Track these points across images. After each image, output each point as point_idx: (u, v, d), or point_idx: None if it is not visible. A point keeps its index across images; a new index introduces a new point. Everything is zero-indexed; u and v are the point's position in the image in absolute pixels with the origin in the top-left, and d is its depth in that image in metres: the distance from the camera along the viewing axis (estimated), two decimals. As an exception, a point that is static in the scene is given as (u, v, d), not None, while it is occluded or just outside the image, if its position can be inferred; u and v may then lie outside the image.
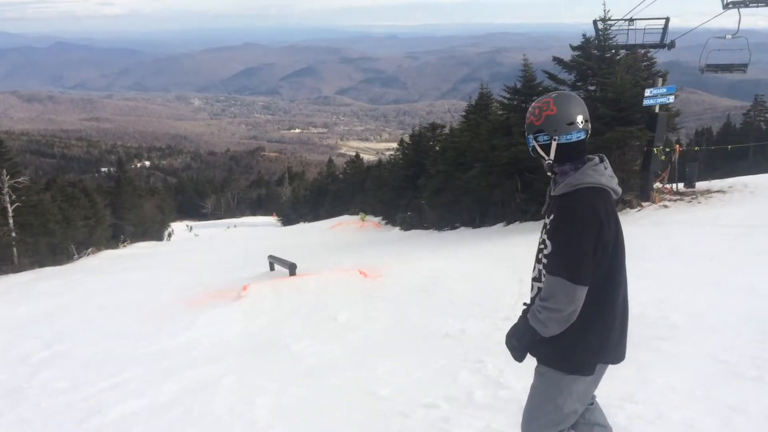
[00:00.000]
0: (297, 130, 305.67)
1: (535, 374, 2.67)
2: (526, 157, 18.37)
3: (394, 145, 45.03)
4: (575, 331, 2.44)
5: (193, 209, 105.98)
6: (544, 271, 2.49)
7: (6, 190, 30.43)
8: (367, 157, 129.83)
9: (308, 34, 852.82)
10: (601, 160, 2.53)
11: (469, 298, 8.25)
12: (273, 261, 15.28)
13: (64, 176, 69.03)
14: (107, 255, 39.40)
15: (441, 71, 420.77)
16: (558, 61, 18.04)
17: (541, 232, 2.61)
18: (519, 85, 20.15)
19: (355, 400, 4.58)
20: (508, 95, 20.86)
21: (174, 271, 21.17)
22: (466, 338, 6.13)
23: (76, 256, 38.42)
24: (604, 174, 2.47)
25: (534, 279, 2.64)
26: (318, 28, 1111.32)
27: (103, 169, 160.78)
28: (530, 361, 2.67)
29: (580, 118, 2.48)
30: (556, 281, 2.36)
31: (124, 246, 48.42)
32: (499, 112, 22.16)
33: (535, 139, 2.57)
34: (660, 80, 15.90)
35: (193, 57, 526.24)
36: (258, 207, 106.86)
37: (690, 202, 15.56)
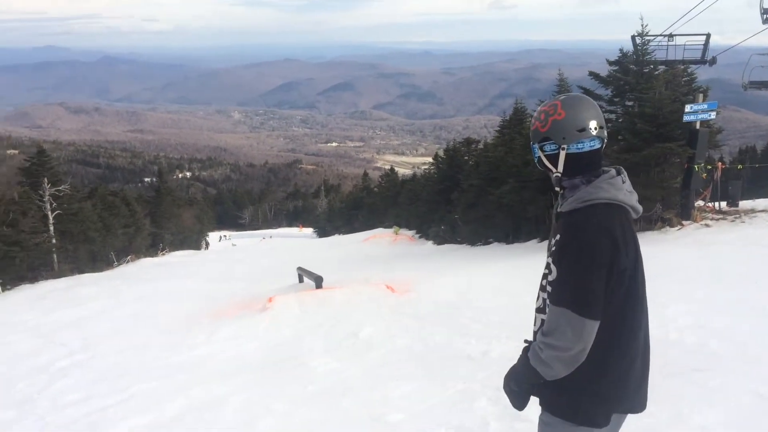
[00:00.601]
0: (334, 144, 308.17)
1: (539, 423, 2.26)
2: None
3: (430, 159, 44.82)
4: (585, 374, 2.05)
5: (231, 220, 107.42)
6: (548, 301, 2.09)
7: (47, 198, 31.12)
8: (403, 171, 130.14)
9: (345, 49, 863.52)
10: (618, 173, 2.17)
11: (496, 317, 7.93)
12: (301, 273, 15.16)
13: (108, 186, 70.71)
14: (146, 263, 40.00)
15: (477, 87, 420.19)
16: (594, 75, 17.60)
17: (547, 255, 2.23)
18: (554, 101, 19.74)
19: (362, 427, 4.33)
20: (542, 110, 20.45)
21: (206, 281, 21.26)
22: (488, 361, 5.83)
23: (116, 263, 39.12)
24: (621, 189, 2.11)
25: (538, 310, 2.26)
26: (355, 44, 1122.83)
27: (146, 179, 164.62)
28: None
29: (593, 124, 2.11)
30: (561, 313, 1.97)
31: (163, 254, 49.18)
32: (534, 127, 21.78)
33: (541, 148, 2.21)
34: (701, 96, 15.32)
35: (233, 72, 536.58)
36: (294, 218, 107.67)
37: (733, 221, 14.90)
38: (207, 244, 65.89)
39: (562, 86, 19.36)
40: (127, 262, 40.58)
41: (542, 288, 2.22)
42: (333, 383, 5.50)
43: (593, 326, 1.97)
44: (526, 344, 2.25)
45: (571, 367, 2.01)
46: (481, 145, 31.85)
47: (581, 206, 2.07)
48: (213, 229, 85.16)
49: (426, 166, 51.54)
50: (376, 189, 66.19)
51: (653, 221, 15.46)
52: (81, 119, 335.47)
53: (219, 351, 7.64)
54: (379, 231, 44.48)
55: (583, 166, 2.14)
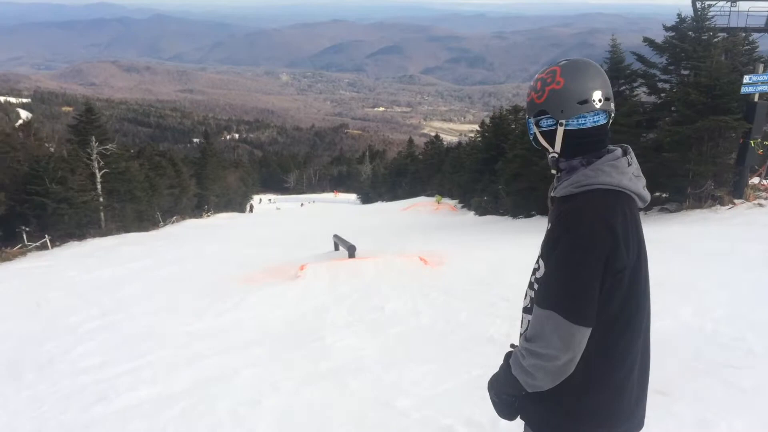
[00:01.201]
0: (381, 109, 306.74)
1: None
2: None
3: (477, 127, 44.12)
4: (574, 388, 1.75)
5: (276, 183, 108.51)
6: (534, 302, 1.80)
7: (95, 156, 31.78)
8: (449, 138, 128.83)
9: (396, 11, 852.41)
10: (625, 153, 1.83)
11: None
12: (337, 241, 15.09)
13: (157, 145, 71.99)
14: (190, 224, 40.87)
15: (530, 52, 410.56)
16: (649, 42, 16.76)
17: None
18: (605, 68, 18.91)
19: (367, 412, 4.16)
20: (591, 77, 19.63)
21: (244, 245, 21.48)
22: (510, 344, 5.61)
23: (162, 223, 40.04)
24: (626, 172, 1.77)
25: (525, 310, 1.95)
26: (405, 5, 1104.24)
27: (194, 140, 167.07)
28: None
29: (597, 95, 1.76)
30: (548, 317, 1.67)
31: (207, 216, 50.14)
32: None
33: (537, 123, 1.86)
34: (761, 66, 14.39)
35: (282, 32, 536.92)
36: (339, 183, 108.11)
37: (790, 201, 14.13)
38: (251, 207, 66.74)
39: (615, 53, 18.50)
40: (173, 222, 41.52)
41: (530, 285, 1.92)
42: (347, 361, 5.36)
43: (584, 333, 1.67)
44: (511, 349, 1.95)
45: (557, 379, 1.72)
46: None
47: (577, 191, 1.75)
48: (257, 192, 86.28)
49: (472, 134, 50.84)
50: (420, 156, 65.68)
51: (703, 199, 14.80)
52: (133, 77, 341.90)
53: (242, 319, 7.62)
54: (421, 199, 44.22)
55: (585, 145, 1.81)
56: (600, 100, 1.77)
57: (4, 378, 5.98)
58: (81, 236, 29.27)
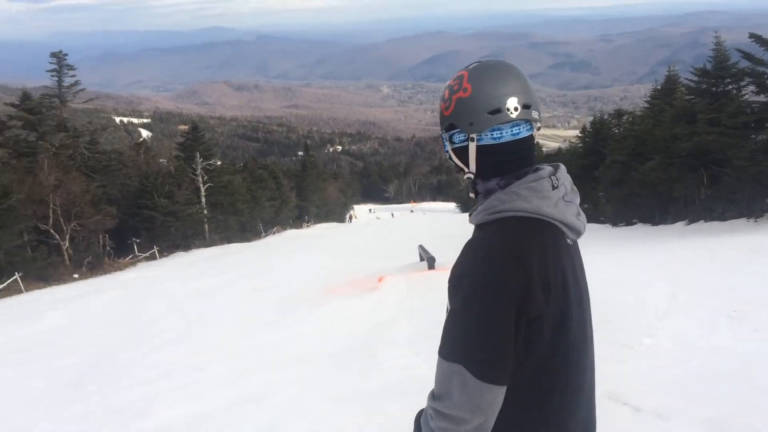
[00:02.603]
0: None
1: None
2: (713, 149, 16.08)
3: (579, 132, 42.56)
4: None
5: (377, 193, 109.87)
6: (438, 351, 1.44)
7: (199, 171, 33.37)
8: (552, 145, 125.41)
9: (493, 20, 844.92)
10: (553, 172, 1.48)
11: (603, 311, 7.09)
12: (421, 251, 14.89)
13: (265, 159, 74.75)
14: (290, 234, 42.02)
15: (637, 54, 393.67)
16: (756, 38, 15.33)
17: None
18: (709, 67, 17.56)
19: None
20: (695, 78, 18.29)
21: (336, 255, 21.72)
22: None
23: (263, 234, 41.46)
24: (548, 196, 1.42)
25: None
26: (503, 14, 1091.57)
27: (300, 153, 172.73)
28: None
29: (512, 102, 1.43)
30: (453, 372, 1.34)
31: (307, 226, 51.42)
32: (686, 97, 19.59)
33: (450, 139, 1.54)
34: None
35: (381, 47, 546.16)
36: (438, 193, 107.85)
37: None
38: (350, 217, 67.81)
39: (719, 50, 17.16)
40: (274, 233, 42.86)
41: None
42: (393, 382, 5.07)
43: (496, 393, 1.33)
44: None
45: None
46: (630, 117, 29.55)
47: (489, 219, 1.44)
48: (357, 202, 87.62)
49: (575, 140, 49.16)
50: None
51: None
52: (242, 95, 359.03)
53: (307, 333, 7.55)
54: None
55: (503, 164, 1.46)
56: (516, 109, 1.43)
57: (67, 387, 6.23)
58: (187, 247, 30.81)
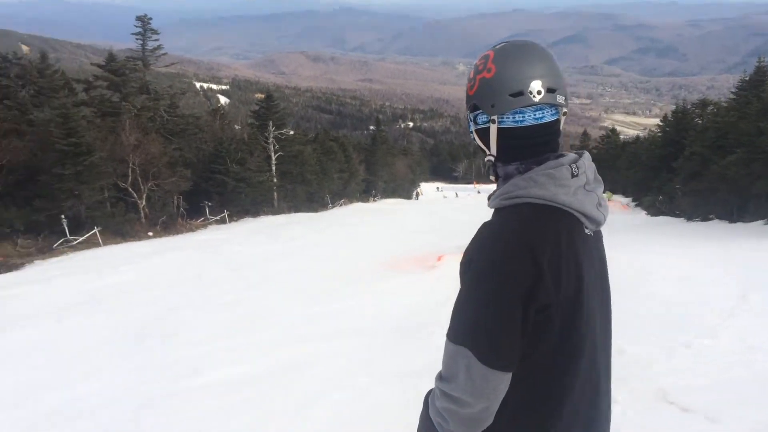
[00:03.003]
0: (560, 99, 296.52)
1: None
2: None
3: (659, 120, 41.00)
4: None
5: (446, 171, 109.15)
6: (446, 332, 1.43)
7: (271, 139, 33.98)
8: (631, 132, 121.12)
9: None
10: (575, 160, 1.42)
11: (665, 309, 6.85)
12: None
13: (336, 131, 75.54)
14: (356, 207, 42.37)
15: (728, 42, 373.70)
16: None
17: None
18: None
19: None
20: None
21: (398, 231, 21.76)
22: (625, 361, 5.07)
23: (330, 205, 41.98)
24: (566, 185, 1.37)
25: None
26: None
27: (371, 127, 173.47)
28: None
29: (535, 86, 1.37)
30: (460, 354, 1.33)
31: (374, 201, 51.70)
32: (778, 89, 18.47)
33: (475, 120, 1.49)
34: None
35: (460, 23, 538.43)
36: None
37: None
38: (417, 194, 67.70)
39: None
40: (340, 205, 43.31)
41: None
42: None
43: (501, 378, 1.31)
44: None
45: (473, 428, 1.37)
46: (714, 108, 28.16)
47: (505, 204, 1.40)
48: (425, 180, 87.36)
49: (654, 129, 47.51)
50: (594, 150, 62.56)
51: None
52: (318, 67, 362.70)
53: (362, 306, 7.64)
54: (589, 194, 42.09)
55: (524, 148, 1.42)
56: (540, 92, 1.37)
57: (131, 341, 6.54)
58: (255, 213, 31.56)
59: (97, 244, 20.00)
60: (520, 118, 1.40)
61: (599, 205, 1.42)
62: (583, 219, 1.38)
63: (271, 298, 8.56)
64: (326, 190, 43.03)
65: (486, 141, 1.46)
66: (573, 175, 1.37)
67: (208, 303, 8.52)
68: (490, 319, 1.29)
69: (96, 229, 20.46)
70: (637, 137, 56.19)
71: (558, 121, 1.44)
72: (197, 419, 4.23)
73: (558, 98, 1.40)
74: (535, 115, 1.39)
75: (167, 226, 25.50)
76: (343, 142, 53.53)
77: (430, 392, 1.52)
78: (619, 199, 36.54)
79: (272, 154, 34.22)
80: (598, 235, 1.47)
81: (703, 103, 31.72)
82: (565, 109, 1.44)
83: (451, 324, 1.37)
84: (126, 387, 4.99)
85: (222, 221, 28.94)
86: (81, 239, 20.05)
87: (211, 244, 20.25)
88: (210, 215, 28.97)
